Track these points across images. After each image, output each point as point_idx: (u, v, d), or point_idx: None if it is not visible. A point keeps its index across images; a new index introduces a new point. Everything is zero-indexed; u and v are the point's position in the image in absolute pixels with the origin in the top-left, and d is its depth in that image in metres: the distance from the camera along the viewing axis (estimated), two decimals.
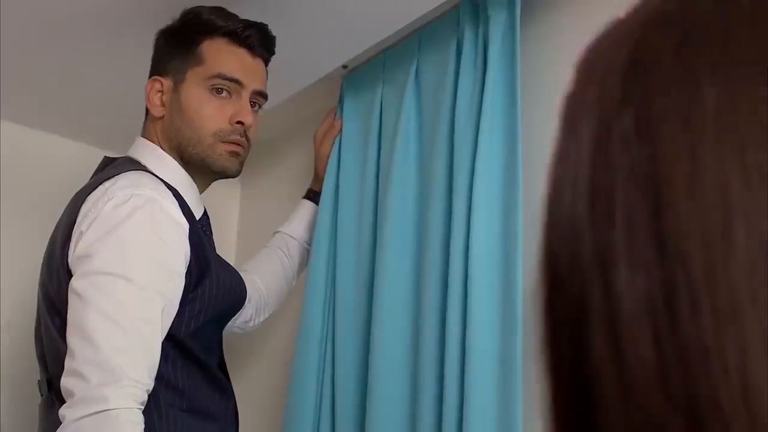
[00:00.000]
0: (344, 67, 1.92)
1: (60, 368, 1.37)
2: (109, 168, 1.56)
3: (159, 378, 1.40)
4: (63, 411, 1.32)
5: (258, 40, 1.65)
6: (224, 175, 1.62)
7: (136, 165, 1.54)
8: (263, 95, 1.65)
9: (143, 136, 1.62)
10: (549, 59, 1.59)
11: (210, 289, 1.52)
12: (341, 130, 1.90)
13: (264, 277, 1.81)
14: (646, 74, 0.37)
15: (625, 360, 0.35)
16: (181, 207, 1.49)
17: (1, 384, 2.09)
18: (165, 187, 1.49)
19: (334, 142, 1.89)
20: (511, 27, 1.54)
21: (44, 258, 1.54)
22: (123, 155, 1.62)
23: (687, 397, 0.33)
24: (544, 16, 1.62)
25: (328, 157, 1.88)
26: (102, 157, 1.66)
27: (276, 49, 1.74)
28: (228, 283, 1.58)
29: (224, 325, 1.65)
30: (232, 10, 1.69)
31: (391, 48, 1.84)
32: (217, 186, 1.73)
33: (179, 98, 1.58)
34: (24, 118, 2.20)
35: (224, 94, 1.59)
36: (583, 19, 1.56)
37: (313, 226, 1.88)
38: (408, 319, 1.60)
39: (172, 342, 1.45)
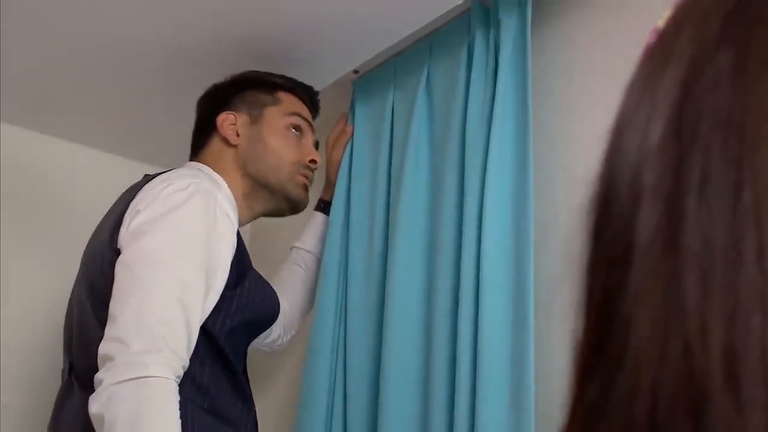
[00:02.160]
0: (355, 72, 1.92)
1: (86, 353, 1.42)
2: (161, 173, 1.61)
3: (187, 374, 1.42)
4: (100, 375, 1.34)
5: (315, 102, 1.85)
6: (297, 206, 1.74)
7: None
8: (317, 145, 1.83)
9: (196, 160, 1.71)
10: (560, 63, 1.58)
11: (248, 290, 1.57)
12: (353, 135, 1.90)
13: (287, 297, 1.83)
14: (751, 22, 0.36)
15: (668, 296, 0.34)
16: None
17: (1, 384, 2.09)
18: (219, 184, 1.58)
19: (345, 148, 1.90)
20: (522, 32, 1.54)
21: (86, 257, 1.58)
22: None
23: (726, 340, 0.32)
24: (555, 21, 1.61)
25: (340, 162, 1.89)
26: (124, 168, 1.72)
27: (286, 53, 1.81)
28: (265, 292, 1.64)
29: (255, 337, 1.68)
30: (246, 17, 1.71)
31: (402, 53, 1.84)
32: None
33: (260, 130, 1.71)
34: (24, 121, 2.20)
35: (298, 132, 1.74)
36: (594, 21, 1.55)
37: (326, 238, 1.88)
38: (420, 325, 1.60)
39: (205, 338, 1.47)
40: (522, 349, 1.40)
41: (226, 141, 1.70)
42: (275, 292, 1.69)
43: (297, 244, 1.93)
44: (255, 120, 1.72)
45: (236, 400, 1.56)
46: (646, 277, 0.35)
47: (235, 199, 1.63)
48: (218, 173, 1.66)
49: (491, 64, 1.58)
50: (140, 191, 1.52)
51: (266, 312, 1.66)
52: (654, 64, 0.39)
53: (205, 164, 1.68)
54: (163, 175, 1.56)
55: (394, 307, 1.62)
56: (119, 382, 1.31)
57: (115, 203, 1.60)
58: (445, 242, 1.58)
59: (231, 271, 1.52)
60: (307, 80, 1.93)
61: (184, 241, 1.45)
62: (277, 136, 1.71)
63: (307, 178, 1.74)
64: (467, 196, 1.54)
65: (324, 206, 1.94)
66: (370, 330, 1.71)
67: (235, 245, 1.54)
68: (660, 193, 0.35)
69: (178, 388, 1.36)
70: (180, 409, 1.38)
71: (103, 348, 1.35)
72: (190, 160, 1.73)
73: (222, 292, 1.51)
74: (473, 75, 1.61)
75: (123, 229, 1.46)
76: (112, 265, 1.44)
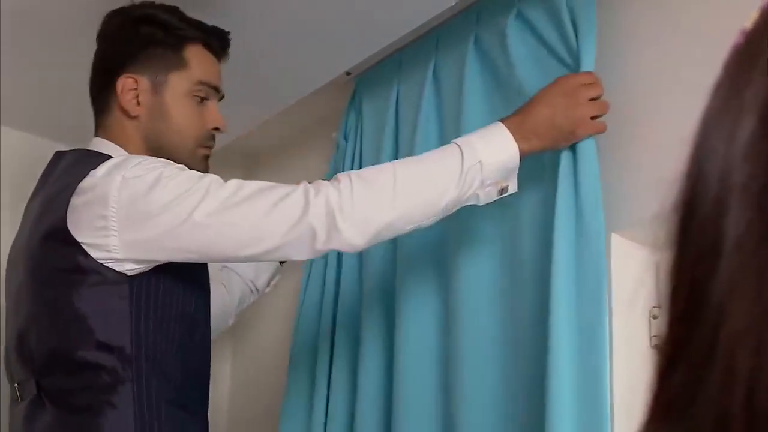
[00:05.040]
0: (348, 74, 1.91)
1: (57, 371, 1.39)
2: (77, 163, 1.50)
3: (156, 369, 1.42)
4: (318, 205, 1.34)
5: (225, 50, 1.67)
6: None
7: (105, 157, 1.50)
8: (223, 97, 1.67)
9: (102, 136, 1.56)
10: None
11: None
12: (362, 132, 1.87)
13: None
14: None
15: (764, 287, 0.34)
16: None
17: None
18: None
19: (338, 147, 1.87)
20: (535, 25, 1.52)
21: (22, 260, 1.49)
22: (77, 148, 1.56)
23: None
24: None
25: None
26: None
27: (281, 55, 1.77)
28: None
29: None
30: (233, 17, 1.69)
31: (407, 47, 1.82)
32: None
33: (163, 101, 1.56)
34: (23, 124, 2.18)
35: (202, 100, 1.60)
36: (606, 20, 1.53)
37: (261, 265, 1.85)
38: (436, 342, 1.57)
39: (173, 316, 1.45)
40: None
41: (125, 112, 1.55)
42: None
43: (249, 275, 1.88)
44: (157, 89, 1.56)
45: (198, 392, 1.53)
46: (738, 270, 0.36)
47: None
48: (124, 149, 1.54)
49: (500, 58, 1.57)
50: (75, 200, 1.41)
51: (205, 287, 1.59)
52: (742, 64, 0.39)
53: (111, 138, 1.55)
54: (96, 173, 1.42)
55: (406, 311, 1.60)
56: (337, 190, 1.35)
57: (37, 209, 1.49)
58: (466, 239, 1.54)
59: None
60: (299, 82, 1.93)
61: (196, 183, 1.39)
62: (179, 107, 1.57)
63: (209, 147, 1.62)
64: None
65: None
66: (378, 338, 1.68)
67: None
68: (751, 191, 0.36)
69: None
70: (153, 408, 1.39)
71: (278, 240, 1.35)
72: (95, 134, 1.58)
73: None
74: (482, 66, 1.60)
75: (118, 247, 1.38)
76: (65, 274, 1.40)
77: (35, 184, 1.58)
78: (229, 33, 1.66)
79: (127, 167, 1.41)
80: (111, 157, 1.46)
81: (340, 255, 1.79)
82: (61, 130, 2.17)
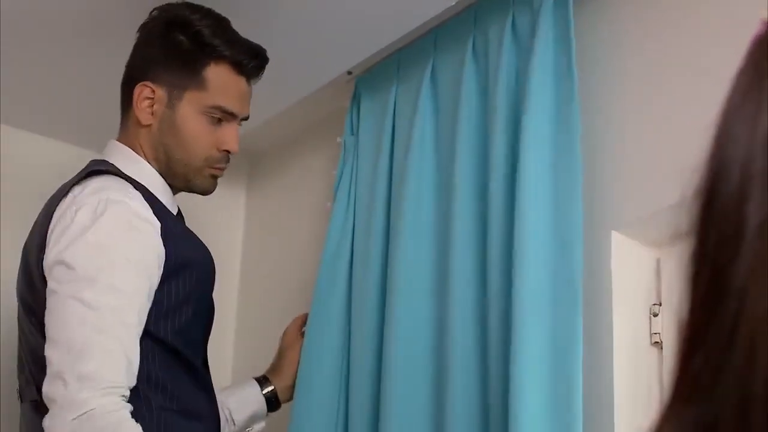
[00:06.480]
0: (349, 73, 1.92)
1: (42, 374, 1.39)
2: (79, 172, 1.54)
3: (147, 380, 1.42)
4: (46, 421, 1.34)
5: (259, 70, 1.64)
6: (202, 194, 1.65)
7: (103, 165, 1.53)
8: (247, 118, 1.66)
9: (119, 140, 1.59)
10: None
11: (191, 280, 1.52)
12: (358, 134, 1.86)
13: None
14: None
15: None
16: (153, 205, 1.49)
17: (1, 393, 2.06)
18: (133, 188, 1.49)
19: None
20: (564, 24, 1.52)
21: (20, 265, 1.54)
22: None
23: None
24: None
25: (297, 364, 1.73)
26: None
27: (283, 55, 1.74)
28: (205, 266, 1.57)
29: (206, 314, 1.60)
30: (240, 16, 1.68)
31: (406, 47, 1.82)
32: (219, 193, 1.71)
33: (174, 117, 1.56)
34: (24, 122, 2.18)
35: (217, 122, 1.59)
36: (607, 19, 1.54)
37: (246, 397, 1.72)
38: (429, 324, 1.58)
39: (159, 343, 1.45)
40: (567, 340, 1.37)
41: (137, 119, 1.57)
42: (208, 253, 1.59)
43: (230, 404, 1.69)
44: (172, 103, 1.56)
45: (200, 392, 1.53)
46: (760, 255, 0.36)
47: (160, 174, 1.57)
48: (138, 153, 1.57)
49: (506, 57, 1.56)
50: (58, 207, 1.47)
51: (209, 281, 1.59)
52: (763, 54, 0.40)
53: (128, 143, 1.58)
54: (75, 189, 1.48)
55: (399, 307, 1.61)
56: (65, 424, 1.32)
57: (42, 210, 1.54)
58: (461, 239, 1.55)
59: (166, 271, 1.47)
60: (302, 81, 1.93)
61: (104, 265, 1.41)
62: (191, 124, 1.56)
63: (219, 168, 1.61)
64: (492, 182, 1.52)
65: (263, 381, 1.73)
66: (370, 332, 1.68)
67: (163, 245, 1.47)
68: None
69: (127, 411, 1.35)
70: (153, 419, 1.40)
71: (45, 389, 1.36)
72: (118, 136, 1.61)
73: (164, 294, 1.47)
74: (479, 67, 1.61)
75: (45, 258, 1.43)
76: (43, 291, 1.43)
77: (33, 183, 1.61)
78: (265, 51, 1.63)
79: (82, 201, 1.44)
80: (101, 171, 1.50)
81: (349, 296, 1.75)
82: (63, 129, 2.17)
